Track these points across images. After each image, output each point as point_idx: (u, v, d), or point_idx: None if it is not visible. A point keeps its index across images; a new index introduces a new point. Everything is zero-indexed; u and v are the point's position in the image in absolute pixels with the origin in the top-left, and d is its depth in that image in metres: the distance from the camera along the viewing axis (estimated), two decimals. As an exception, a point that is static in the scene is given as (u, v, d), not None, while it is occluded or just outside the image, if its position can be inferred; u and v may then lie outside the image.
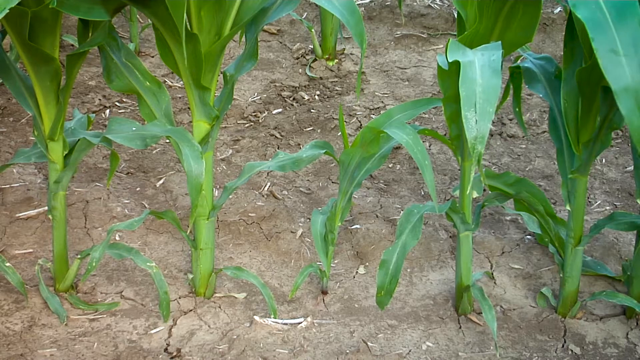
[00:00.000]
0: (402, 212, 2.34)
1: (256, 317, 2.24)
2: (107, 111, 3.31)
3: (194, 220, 2.21)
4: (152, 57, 3.73)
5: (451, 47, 1.74)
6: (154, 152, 3.05)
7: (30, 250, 2.48)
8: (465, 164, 2.11)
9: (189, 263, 2.45)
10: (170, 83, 3.55)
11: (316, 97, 3.49)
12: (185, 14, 1.85)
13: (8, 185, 2.75)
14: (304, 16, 4.07)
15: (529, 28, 1.95)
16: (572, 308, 2.25)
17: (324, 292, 2.37)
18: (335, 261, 2.51)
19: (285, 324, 2.23)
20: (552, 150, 3.09)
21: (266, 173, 2.92)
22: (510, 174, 2.35)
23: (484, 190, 2.63)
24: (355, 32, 1.83)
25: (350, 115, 3.35)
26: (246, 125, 3.28)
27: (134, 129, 2.09)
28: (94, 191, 2.74)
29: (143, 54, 3.75)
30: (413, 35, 3.97)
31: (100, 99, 3.36)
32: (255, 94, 3.50)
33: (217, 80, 2.15)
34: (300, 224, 2.66)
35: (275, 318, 2.24)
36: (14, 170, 2.82)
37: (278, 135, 3.20)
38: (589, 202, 2.82)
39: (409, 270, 2.47)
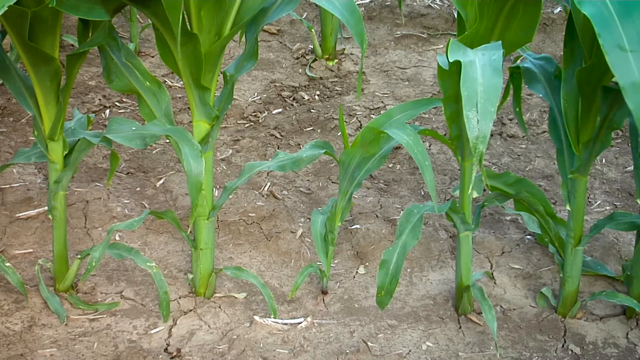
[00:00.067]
0: (402, 212, 2.35)
1: (256, 317, 2.24)
2: (107, 111, 3.31)
3: (194, 220, 2.21)
4: (152, 57, 3.73)
5: (452, 47, 1.74)
6: (154, 152, 3.05)
7: (30, 250, 2.48)
8: (465, 164, 2.11)
9: (189, 263, 2.45)
10: (170, 83, 3.55)
11: (316, 97, 3.49)
12: (181, 16, 1.85)
13: (8, 185, 2.75)
14: (304, 16, 4.07)
15: (529, 28, 1.95)
16: (572, 308, 2.25)
17: (324, 292, 2.37)
18: (335, 261, 2.51)
19: (285, 324, 2.23)
20: (552, 150, 3.09)
21: (266, 173, 2.92)
22: (510, 174, 2.35)
23: (484, 190, 2.64)
24: (355, 32, 1.83)
25: (350, 115, 3.35)
26: (246, 125, 3.28)
27: (133, 128, 2.09)
28: (94, 191, 2.74)
29: (143, 54, 3.75)
30: (413, 35, 3.98)
31: (100, 99, 3.36)
32: (255, 94, 3.50)
33: (217, 80, 2.15)
34: (300, 224, 2.66)
35: (275, 318, 2.24)
36: (14, 170, 2.82)
37: (278, 135, 3.20)
38: (589, 202, 2.82)
39: (409, 270, 2.47)
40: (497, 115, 3.29)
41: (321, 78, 3.62)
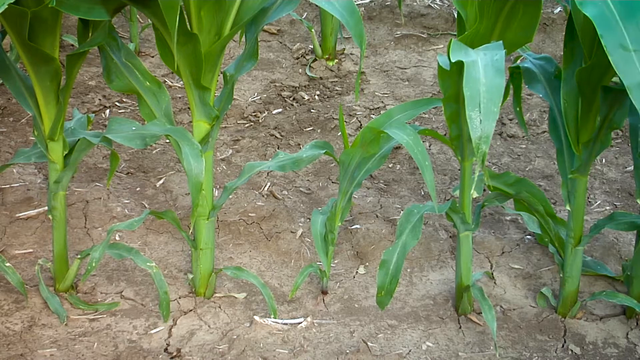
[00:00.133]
0: (402, 212, 2.35)
1: (256, 317, 2.24)
2: (107, 111, 3.31)
3: (194, 220, 2.21)
4: (152, 57, 3.73)
5: (454, 47, 1.74)
6: (154, 152, 3.05)
7: (30, 250, 2.48)
8: (465, 164, 2.11)
9: (189, 263, 2.45)
10: (170, 83, 3.55)
11: (316, 97, 3.49)
12: (181, 16, 1.84)
13: (8, 185, 2.75)
14: (304, 16, 4.07)
15: (529, 28, 1.95)
16: (572, 308, 2.25)
17: (324, 292, 2.37)
18: (335, 261, 2.51)
19: (285, 324, 2.23)
20: (552, 150, 3.09)
21: (266, 173, 2.92)
22: (510, 174, 2.35)
23: (484, 190, 2.64)
24: (354, 33, 1.83)
25: (350, 115, 3.35)
26: (246, 125, 3.28)
27: (134, 128, 2.09)
28: (94, 191, 2.74)
29: (143, 54, 3.75)
30: (413, 35, 3.98)
31: (100, 99, 3.36)
32: (255, 94, 3.50)
33: (217, 80, 2.15)
34: (300, 224, 2.66)
35: (275, 318, 2.24)
36: (14, 170, 2.82)
37: (278, 135, 3.20)
38: (589, 202, 2.82)
39: (409, 270, 2.47)
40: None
41: (321, 78, 3.62)
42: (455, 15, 3.95)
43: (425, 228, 2.64)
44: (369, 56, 3.81)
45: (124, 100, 3.39)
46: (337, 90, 3.54)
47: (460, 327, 2.24)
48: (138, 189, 2.81)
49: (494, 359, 2.13)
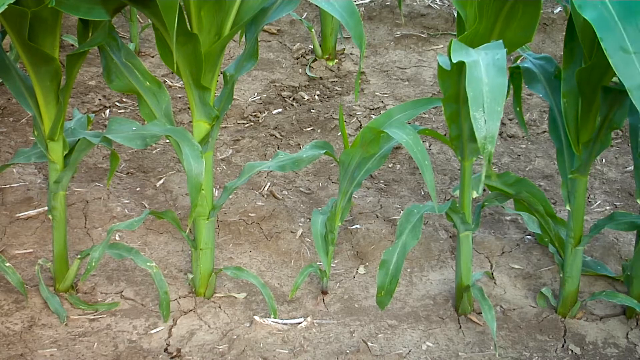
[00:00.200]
0: (402, 212, 2.35)
1: (256, 317, 2.24)
2: (107, 111, 3.31)
3: (194, 220, 2.21)
4: (152, 57, 3.73)
5: (454, 47, 1.74)
6: (154, 152, 3.05)
7: (30, 250, 2.48)
8: (465, 163, 2.11)
9: (189, 263, 2.45)
10: (170, 83, 3.56)
11: (316, 97, 3.49)
12: (180, 16, 1.84)
13: (8, 185, 2.75)
14: (304, 16, 4.07)
15: (529, 28, 1.95)
16: (572, 308, 2.25)
17: (324, 292, 2.37)
18: (335, 261, 2.51)
19: (285, 324, 2.23)
20: (552, 150, 3.09)
21: (266, 173, 2.92)
22: (510, 174, 2.35)
23: (484, 190, 2.63)
24: (354, 34, 1.83)
25: (350, 115, 3.35)
26: (246, 125, 3.28)
27: (134, 128, 2.09)
28: (94, 191, 2.75)
29: (143, 54, 3.75)
30: (413, 35, 3.98)
31: (100, 99, 3.36)
32: (255, 94, 3.50)
33: (217, 80, 2.15)
34: (300, 224, 2.66)
35: (275, 318, 2.24)
36: (14, 170, 2.82)
37: (278, 135, 3.20)
38: (589, 202, 2.82)
39: (409, 270, 2.47)
40: (497, 115, 3.28)
41: (321, 78, 3.62)
42: (455, 15, 3.95)
43: (425, 228, 2.64)
44: (368, 56, 3.81)
45: (124, 100, 3.39)
46: (337, 90, 3.54)
47: (460, 327, 2.24)
48: (138, 189, 2.81)
49: (494, 359, 2.13)
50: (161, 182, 2.86)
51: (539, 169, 3.01)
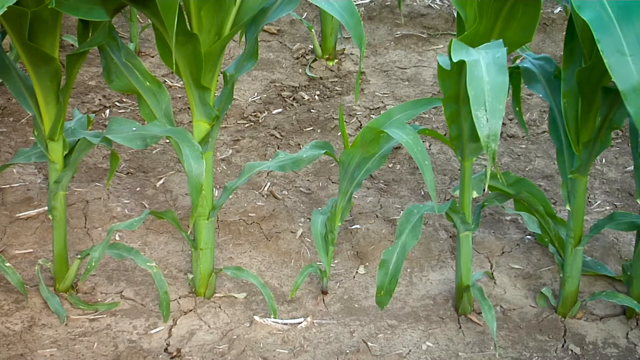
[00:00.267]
0: (402, 212, 2.35)
1: (256, 317, 2.24)
2: (107, 111, 3.31)
3: (194, 220, 2.21)
4: (152, 57, 3.73)
5: (455, 47, 1.74)
6: (154, 152, 3.05)
7: (30, 250, 2.48)
8: (465, 163, 2.11)
9: (189, 263, 2.45)
10: (170, 83, 3.56)
11: (316, 97, 3.49)
12: (180, 16, 1.84)
13: (8, 185, 2.75)
14: (304, 16, 4.07)
15: (529, 28, 1.95)
16: (572, 308, 2.25)
17: (324, 292, 2.37)
18: (335, 261, 2.51)
19: (285, 324, 2.23)
20: (552, 150, 3.09)
21: (266, 173, 2.92)
22: (510, 174, 2.35)
23: (484, 190, 2.63)
24: (354, 34, 1.83)
25: (350, 115, 3.36)
26: (246, 125, 3.28)
27: (134, 129, 2.09)
28: (94, 191, 2.75)
29: (143, 54, 3.75)
30: (413, 35, 3.98)
31: (100, 99, 3.36)
32: (255, 94, 3.50)
33: (217, 80, 2.15)
34: (300, 224, 2.66)
35: (275, 318, 2.24)
36: (14, 170, 2.82)
37: (278, 135, 3.20)
38: (589, 202, 2.82)
39: (409, 270, 2.47)
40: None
41: (321, 78, 3.62)
42: (455, 15, 3.95)
43: (425, 228, 2.64)
44: (368, 56, 3.81)
45: (124, 100, 3.39)
46: (337, 90, 3.54)
47: (460, 327, 2.24)
48: (138, 189, 2.81)
49: (494, 359, 2.13)
50: (161, 182, 2.86)
51: (539, 169, 3.02)
